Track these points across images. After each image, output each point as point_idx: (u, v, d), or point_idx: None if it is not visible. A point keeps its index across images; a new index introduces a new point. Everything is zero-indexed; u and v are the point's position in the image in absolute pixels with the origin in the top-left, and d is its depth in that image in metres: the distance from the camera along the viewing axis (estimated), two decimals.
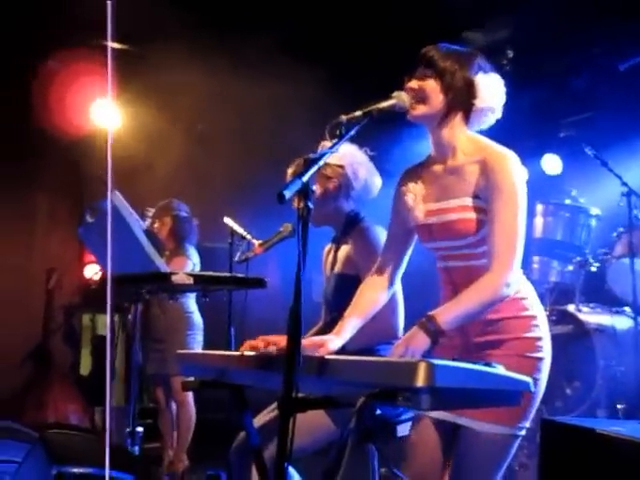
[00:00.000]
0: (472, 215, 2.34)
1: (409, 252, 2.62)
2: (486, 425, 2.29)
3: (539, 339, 2.37)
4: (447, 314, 2.23)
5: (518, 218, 2.30)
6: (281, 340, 2.39)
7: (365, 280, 2.64)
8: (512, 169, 2.32)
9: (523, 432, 2.34)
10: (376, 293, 2.58)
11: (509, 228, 2.28)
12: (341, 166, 3.18)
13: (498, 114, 2.44)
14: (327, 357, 1.96)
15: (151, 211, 5.47)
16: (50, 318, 6.96)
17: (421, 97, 2.36)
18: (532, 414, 2.36)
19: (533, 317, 2.39)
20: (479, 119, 2.44)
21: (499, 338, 2.36)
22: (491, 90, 2.39)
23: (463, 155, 2.41)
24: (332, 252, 3.29)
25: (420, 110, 2.36)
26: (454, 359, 1.81)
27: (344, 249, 3.19)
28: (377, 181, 3.25)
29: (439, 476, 2.45)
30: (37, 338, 6.78)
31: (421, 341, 2.18)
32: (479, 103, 2.39)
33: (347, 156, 3.16)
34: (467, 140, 2.43)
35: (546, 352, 2.38)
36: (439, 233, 2.43)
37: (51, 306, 6.97)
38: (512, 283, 2.27)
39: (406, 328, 2.99)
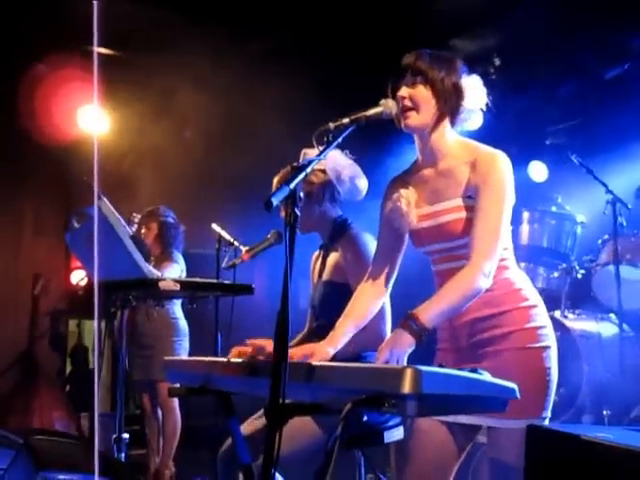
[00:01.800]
0: (467, 215, 2.37)
1: (400, 259, 2.63)
2: (510, 421, 2.31)
3: (541, 327, 2.40)
4: (429, 311, 2.24)
5: (502, 213, 2.33)
6: (268, 344, 2.39)
7: (357, 289, 2.63)
8: (501, 167, 2.36)
9: (546, 422, 2.37)
10: (369, 302, 2.57)
11: (492, 222, 2.31)
12: (323, 170, 3.17)
13: (480, 114, 2.48)
14: (314, 363, 1.96)
15: (137, 217, 5.46)
16: (36, 324, 6.94)
17: (413, 106, 2.38)
18: (551, 402, 2.39)
19: (533, 306, 2.42)
20: (463, 120, 2.47)
21: (501, 332, 2.38)
22: (475, 91, 2.43)
23: (453, 158, 2.44)
24: (320, 259, 3.28)
25: (415, 120, 2.39)
26: (441, 365, 1.82)
27: (333, 256, 3.18)
28: (363, 183, 3.22)
29: (443, 475, 2.46)
30: (23, 343, 6.76)
31: (405, 342, 2.19)
32: (466, 105, 2.43)
33: (329, 160, 3.14)
34: (456, 143, 2.46)
35: (551, 340, 2.41)
36: (433, 236, 2.45)
37: (37, 312, 6.95)
38: (489, 274, 2.29)
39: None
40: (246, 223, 5.01)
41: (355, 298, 2.59)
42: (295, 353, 2.28)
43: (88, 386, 6.55)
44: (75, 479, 3.41)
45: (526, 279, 2.49)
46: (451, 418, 2.41)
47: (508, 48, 6.46)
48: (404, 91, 2.39)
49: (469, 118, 2.47)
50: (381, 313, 2.91)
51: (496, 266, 2.32)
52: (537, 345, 2.37)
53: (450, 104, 2.41)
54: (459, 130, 2.50)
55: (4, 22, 5.96)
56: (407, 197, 2.50)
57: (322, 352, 2.36)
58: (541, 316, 2.43)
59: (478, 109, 2.46)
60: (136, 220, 5.40)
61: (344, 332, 2.48)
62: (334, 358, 2.41)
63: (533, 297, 2.45)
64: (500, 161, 2.36)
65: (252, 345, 2.50)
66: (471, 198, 2.37)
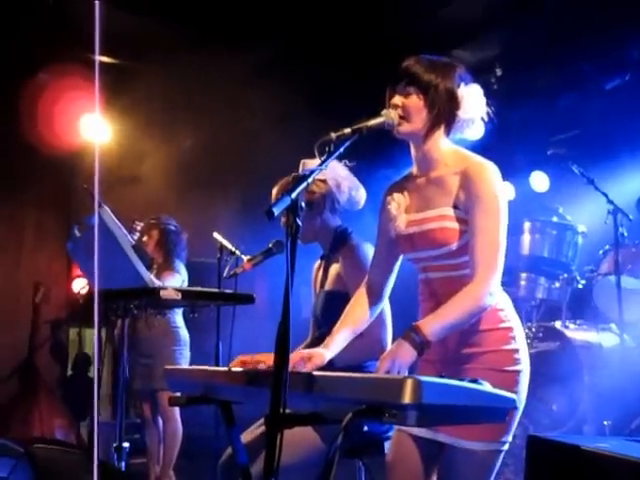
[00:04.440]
0: (452, 225, 2.35)
1: (397, 266, 2.62)
2: (469, 442, 2.28)
3: (516, 351, 2.37)
4: (432, 324, 2.22)
5: (499, 227, 2.30)
6: (269, 358, 2.39)
7: (355, 294, 2.63)
8: (492, 179, 2.33)
9: (506, 446, 2.34)
10: (365, 308, 2.57)
11: (490, 237, 2.29)
12: (323, 180, 3.18)
13: (479, 124, 2.45)
14: (315, 373, 1.96)
15: (139, 225, 5.46)
16: (36, 332, 6.92)
17: (405, 114, 2.37)
18: (514, 428, 2.35)
19: (510, 329, 2.38)
20: (460, 129, 2.45)
21: (477, 351, 2.35)
22: (472, 101, 2.41)
23: (444, 166, 2.42)
24: (321, 269, 3.29)
25: (404, 127, 2.38)
26: (441, 375, 1.82)
27: (334, 266, 3.18)
28: (361, 193, 3.25)
29: None
30: (23, 352, 6.75)
31: (407, 353, 2.17)
32: (462, 114, 2.41)
33: (329, 170, 3.14)
34: (449, 152, 2.44)
35: (524, 364, 2.38)
36: (419, 243, 2.43)
37: (38, 320, 6.93)
38: (494, 292, 2.28)
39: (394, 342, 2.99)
40: (248, 232, 5.02)
41: (352, 303, 2.59)
42: (292, 358, 2.28)
43: (89, 394, 6.56)
44: None
45: (507, 300, 2.45)
46: (415, 431, 2.39)
47: (509, 58, 6.49)
48: (397, 100, 2.38)
49: (468, 127, 2.44)
50: (381, 321, 2.91)
51: (499, 282, 2.32)
52: (511, 368, 2.34)
53: (444, 112, 2.39)
54: (458, 139, 2.49)
55: (5, 32, 5.98)
56: (398, 201, 2.50)
57: (319, 357, 2.35)
58: (517, 339, 2.38)
59: (477, 119, 2.43)
60: (138, 228, 5.40)
61: (341, 337, 2.48)
62: (331, 363, 2.41)
63: (512, 319, 2.41)
64: (490, 173, 2.33)
65: (253, 360, 2.50)
66: (459, 209, 2.35)
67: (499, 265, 2.29)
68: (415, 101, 2.37)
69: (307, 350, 2.40)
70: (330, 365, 2.40)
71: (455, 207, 2.36)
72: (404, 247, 2.51)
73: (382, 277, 2.61)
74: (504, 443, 2.32)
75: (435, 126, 2.39)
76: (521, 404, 2.36)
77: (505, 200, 2.34)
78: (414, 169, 2.53)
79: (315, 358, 2.34)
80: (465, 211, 2.34)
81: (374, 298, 2.59)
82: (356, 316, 2.55)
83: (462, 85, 2.41)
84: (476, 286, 2.26)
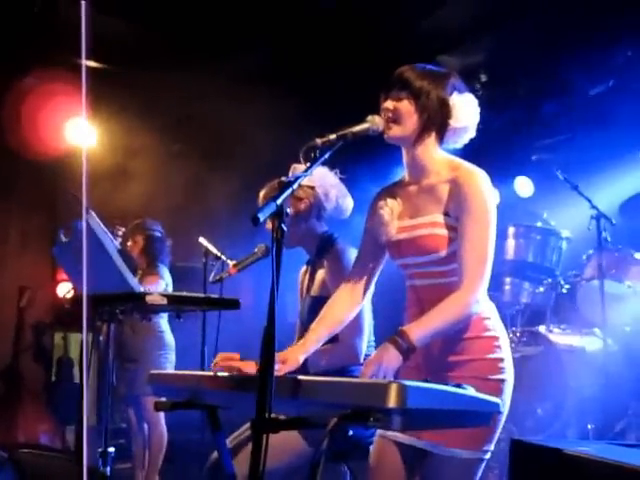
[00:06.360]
0: (441, 232, 2.36)
1: (379, 270, 2.63)
2: (451, 449, 2.29)
3: (501, 360, 2.38)
4: (418, 330, 2.23)
5: (488, 236, 2.31)
6: (246, 366, 2.38)
7: (334, 294, 2.63)
8: (482, 187, 2.33)
9: (488, 455, 2.35)
10: (343, 309, 2.57)
11: (479, 246, 2.30)
12: (312, 187, 3.19)
13: (472, 133, 2.46)
14: (300, 378, 1.97)
15: (121, 230, 5.44)
16: (21, 336, 6.90)
17: (395, 118, 2.38)
18: (496, 437, 2.36)
19: (495, 338, 2.39)
20: (453, 138, 2.46)
21: (462, 359, 2.36)
22: (465, 110, 2.41)
23: (436, 175, 2.43)
24: (308, 274, 3.30)
25: (395, 131, 2.39)
26: (426, 380, 1.83)
27: (320, 272, 3.19)
28: (349, 202, 3.27)
29: None
30: (7, 356, 6.73)
31: (393, 358, 2.18)
32: (453, 123, 2.41)
33: (318, 177, 3.17)
34: (440, 160, 2.44)
35: (508, 373, 2.39)
36: (408, 249, 2.44)
37: (22, 324, 6.91)
38: (480, 300, 2.30)
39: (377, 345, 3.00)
40: (233, 237, 5.03)
41: (330, 304, 2.59)
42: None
43: (73, 399, 6.53)
44: None
45: (493, 309, 2.46)
46: (398, 437, 2.40)
47: (494, 64, 6.52)
48: (389, 103, 2.39)
49: (461, 136, 2.45)
50: (358, 328, 2.91)
51: (486, 290, 2.33)
52: (496, 377, 2.35)
53: (434, 119, 2.39)
54: (451, 147, 2.50)
55: None
56: (391, 207, 2.50)
57: (293, 360, 2.38)
58: (502, 348, 2.39)
59: (472, 127, 2.44)
60: (120, 233, 5.39)
61: (317, 338, 2.49)
62: (306, 371, 2.42)
63: (497, 328, 2.42)
64: (480, 181, 2.34)
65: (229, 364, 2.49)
66: (448, 215, 2.36)
67: (486, 273, 2.30)
68: (406, 105, 2.38)
69: (282, 353, 2.40)
70: (305, 372, 2.41)
71: (446, 214, 2.37)
72: (393, 253, 2.51)
73: (363, 280, 2.60)
74: (486, 452, 2.33)
75: (425, 131, 2.40)
76: (504, 414, 2.36)
77: (494, 208, 2.35)
78: (406, 176, 2.53)
79: (289, 361, 2.36)
80: (455, 218, 2.35)
81: (353, 299, 2.59)
82: (333, 317, 2.56)
83: (455, 94, 2.41)
84: (463, 293, 2.27)
